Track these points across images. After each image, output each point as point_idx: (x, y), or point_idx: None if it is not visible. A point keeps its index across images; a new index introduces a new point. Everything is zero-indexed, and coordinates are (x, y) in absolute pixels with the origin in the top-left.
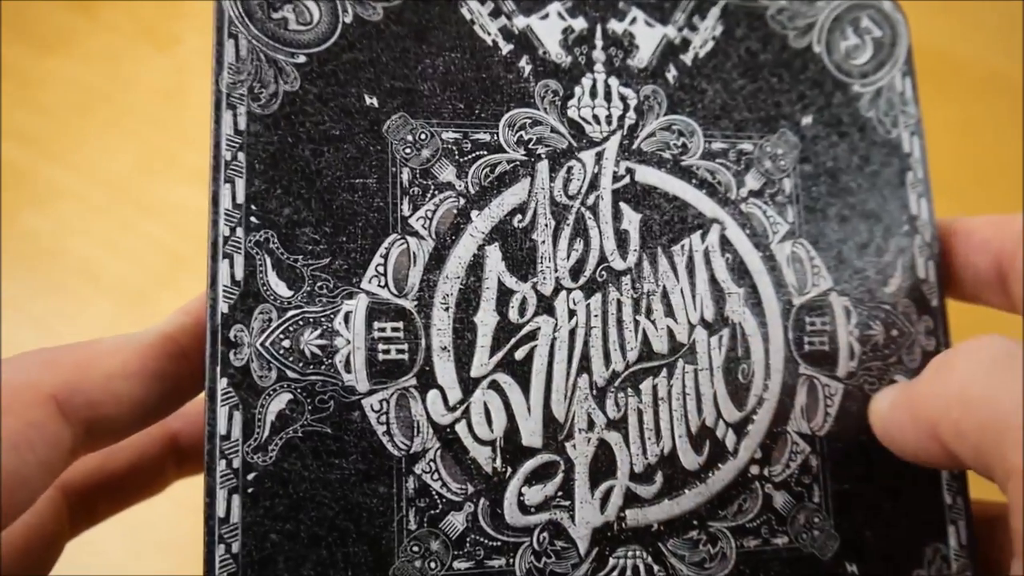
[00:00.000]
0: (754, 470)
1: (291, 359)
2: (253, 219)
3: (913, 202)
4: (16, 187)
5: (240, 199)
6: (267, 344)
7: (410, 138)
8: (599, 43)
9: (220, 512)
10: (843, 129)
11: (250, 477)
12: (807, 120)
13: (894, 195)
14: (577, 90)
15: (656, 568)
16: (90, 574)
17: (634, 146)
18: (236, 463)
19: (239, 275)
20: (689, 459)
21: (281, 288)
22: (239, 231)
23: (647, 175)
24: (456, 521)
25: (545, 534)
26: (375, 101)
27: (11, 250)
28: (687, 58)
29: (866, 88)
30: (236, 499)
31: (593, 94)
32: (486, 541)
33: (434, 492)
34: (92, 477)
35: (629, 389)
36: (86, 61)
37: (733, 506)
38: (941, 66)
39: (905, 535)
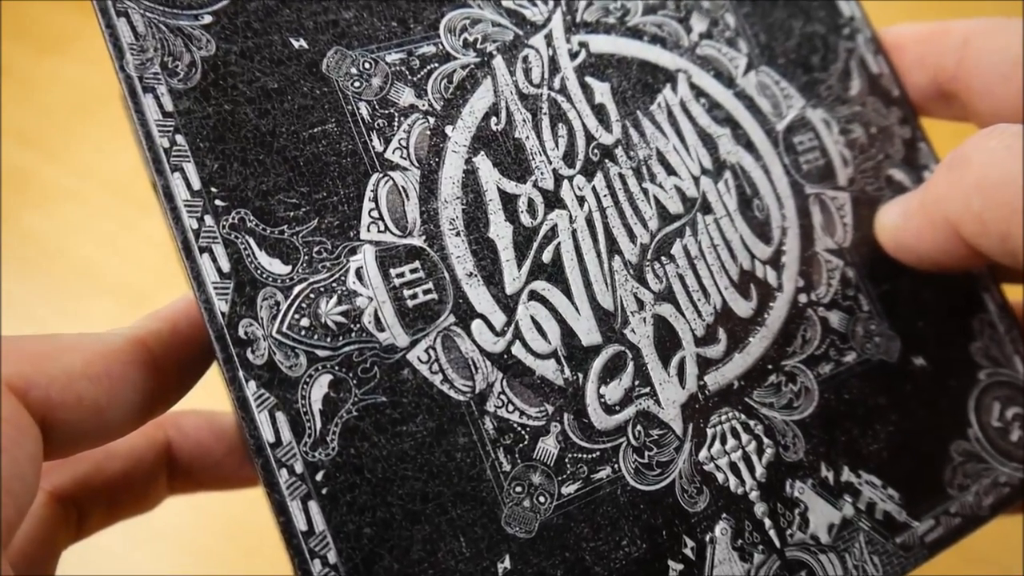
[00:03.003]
0: (803, 298)
1: (316, 337)
2: (219, 202)
3: (843, 5)
4: (16, 187)
5: (196, 185)
6: (284, 330)
7: (354, 71)
8: None
9: (301, 525)
10: None
11: (319, 477)
12: None
13: (823, 3)
14: None
15: (752, 423)
16: (89, 574)
17: (578, 19)
18: (299, 468)
19: (225, 267)
20: (741, 307)
21: (276, 266)
22: (208, 219)
23: (600, 44)
24: (548, 446)
25: (639, 427)
26: (304, 42)
27: (11, 250)
28: None
29: None
30: (313, 505)
31: None
32: (585, 456)
33: (515, 424)
34: (84, 482)
35: (663, 257)
36: (86, 61)
37: (797, 339)
38: None
39: (951, 314)
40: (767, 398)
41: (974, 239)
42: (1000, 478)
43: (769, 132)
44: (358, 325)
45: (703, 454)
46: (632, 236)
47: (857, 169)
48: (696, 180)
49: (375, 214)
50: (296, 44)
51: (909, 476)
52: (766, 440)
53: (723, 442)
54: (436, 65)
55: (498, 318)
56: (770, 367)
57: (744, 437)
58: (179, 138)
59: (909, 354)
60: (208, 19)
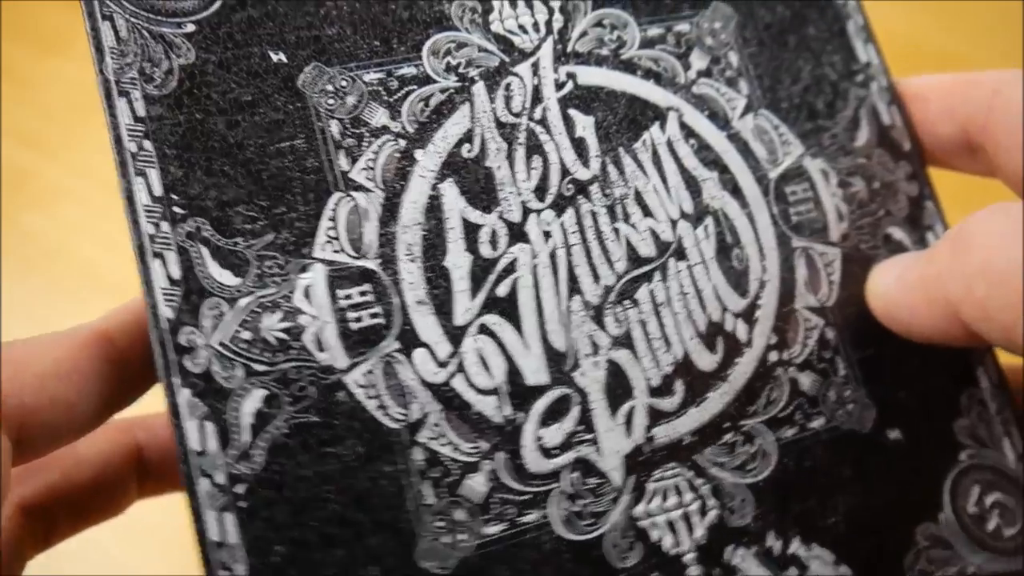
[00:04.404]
0: (773, 356)
1: (255, 351)
2: (177, 209)
3: (860, 50)
4: (16, 187)
5: (158, 191)
6: (225, 341)
7: (330, 87)
8: None
9: (214, 536)
10: None
11: (240, 490)
12: None
13: (839, 47)
14: (495, 3)
15: (699, 482)
16: (90, 574)
17: (569, 49)
18: (220, 478)
19: (175, 274)
20: (705, 360)
21: (226, 277)
22: (164, 226)
23: (589, 75)
24: (476, 483)
25: (575, 474)
26: (283, 56)
27: (11, 250)
28: None
29: None
30: (230, 517)
31: (513, 3)
32: (514, 497)
33: (445, 458)
34: (53, 493)
35: (626, 301)
36: (86, 61)
37: (761, 399)
38: (941, 66)
39: (938, 388)
40: (719, 457)
41: (975, 324)
42: (968, 568)
43: (760, 179)
44: (299, 343)
45: (640, 509)
46: (596, 276)
47: (853, 225)
48: (673, 224)
49: (332, 233)
50: (275, 58)
51: (866, 555)
52: (711, 501)
53: (664, 498)
54: (415, 87)
55: (443, 348)
56: (727, 425)
57: (688, 496)
58: (147, 143)
59: (884, 426)
60: (191, 28)
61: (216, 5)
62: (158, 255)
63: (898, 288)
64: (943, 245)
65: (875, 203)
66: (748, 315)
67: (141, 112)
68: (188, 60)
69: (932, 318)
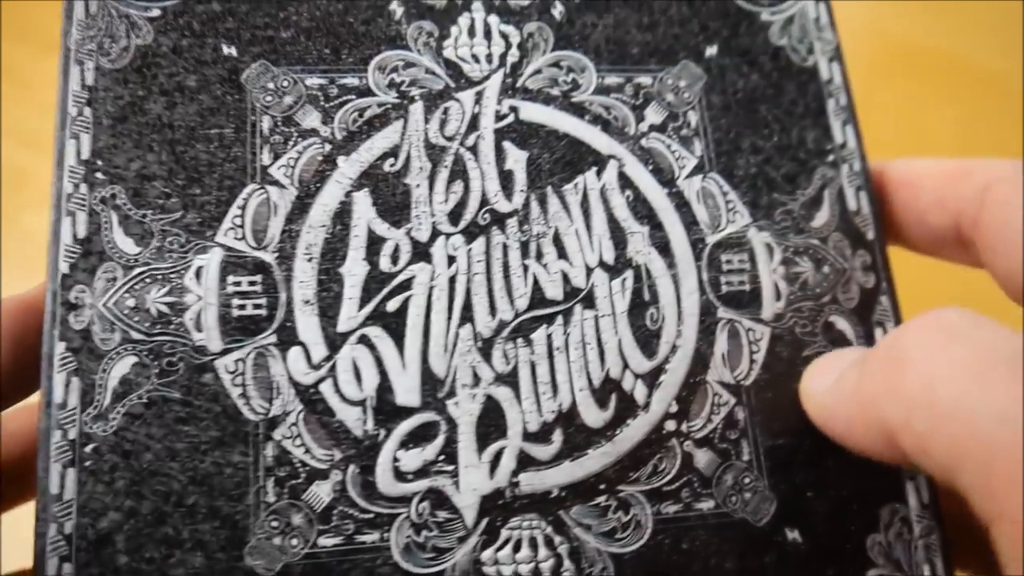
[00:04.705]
0: (670, 425)
1: (136, 319)
2: (99, 175)
3: (837, 130)
4: (16, 187)
5: (85, 154)
6: (109, 304)
7: (271, 86)
8: None
9: (53, 488)
10: (752, 58)
11: (88, 449)
12: (711, 51)
13: (814, 123)
14: (454, 30)
15: (558, 539)
16: None
17: (518, 84)
18: (72, 434)
19: (81, 233)
20: (592, 415)
21: (128, 245)
22: (83, 187)
23: (533, 112)
24: (321, 491)
25: (425, 504)
26: (234, 51)
27: (11, 250)
28: None
29: (776, 16)
30: (71, 474)
31: (472, 33)
32: (356, 513)
33: (296, 459)
34: None
35: (520, 340)
36: None
37: (647, 467)
38: (941, 66)
39: (855, 496)
40: (586, 519)
41: (913, 456)
42: None
43: (696, 242)
44: (179, 320)
45: (488, 554)
46: (493, 309)
47: (791, 306)
48: (589, 271)
49: (237, 221)
50: (226, 50)
51: None
52: (568, 563)
53: (516, 549)
54: (353, 97)
55: (318, 351)
56: (602, 487)
57: (543, 551)
58: (87, 110)
59: (783, 523)
60: (156, 12)
61: None
62: (71, 213)
63: (833, 397)
64: (877, 359)
65: (821, 288)
66: (652, 378)
67: (90, 81)
68: (145, 41)
69: (868, 438)
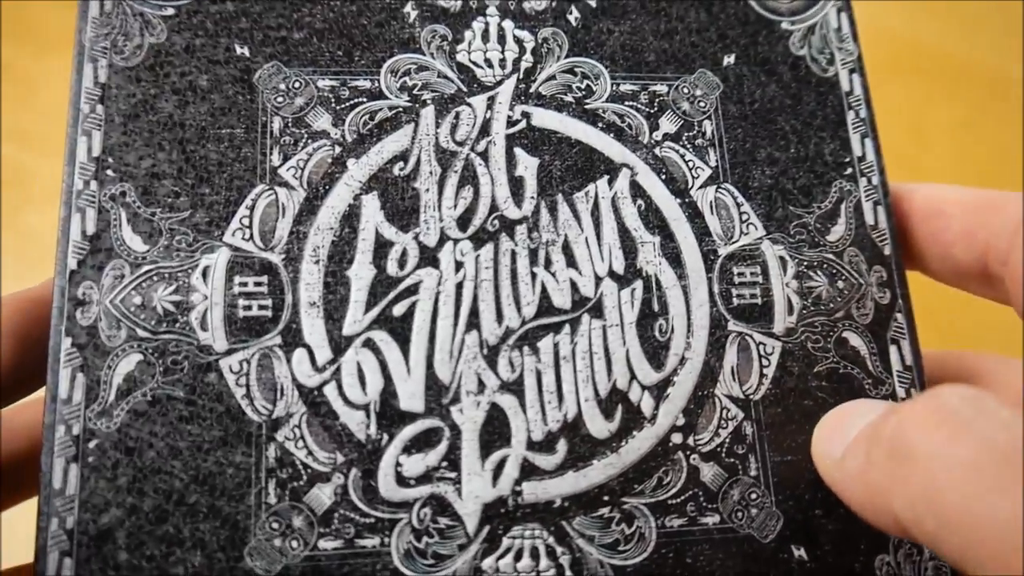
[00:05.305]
0: (676, 438)
1: (142, 317)
2: (109, 172)
3: (856, 143)
4: (16, 187)
5: (96, 152)
6: (116, 301)
7: (283, 87)
8: None
9: (56, 483)
10: (771, 68)
11: (91, 445)
12: (729, 60)
13: (833, 136)
14: (467, 34)
15: (560, 550)
16: None
17: (532, 90)
18: (76, 429)
19: (90, 230)
20: (597, 426)
21: (136, 243)
22: (93, 184)
23: (545, 119)
24: (322, 494)
25: (427, 510)
26: (247, 51)
27: (11, 250)
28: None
29: (796, 26)
30: (74, 469)
31: (485, 38)
32: (357, 517)
33: (298, 461)
34: None
35: (526, 348)
36: None
37: (652, 479)
38: (941, 66)
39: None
40: (589, 530)
41: (925, 545)
42: None
43: (708, 254)
44: (184, 318)
45: (489, 562)
46: (500, 316)
47: (803, 320)
48: (598, 280)
49: (245, 222)
50: (239, 50)
51: None
52: (569, 574)
53: (517, 558)
54: (364, 100)
55: (323, 354)
56: (606, 498)
57: (544, 562)
58: (99, 108)
59: (789, 541)
60: (171, 11)
61: None
62: (80, 210)
63: (841, 475)
64: (882, 451)
65: (835, 303)
66: (659, 390)
67: (103, 79)
68: (159, 40)
69: (879, 521)
